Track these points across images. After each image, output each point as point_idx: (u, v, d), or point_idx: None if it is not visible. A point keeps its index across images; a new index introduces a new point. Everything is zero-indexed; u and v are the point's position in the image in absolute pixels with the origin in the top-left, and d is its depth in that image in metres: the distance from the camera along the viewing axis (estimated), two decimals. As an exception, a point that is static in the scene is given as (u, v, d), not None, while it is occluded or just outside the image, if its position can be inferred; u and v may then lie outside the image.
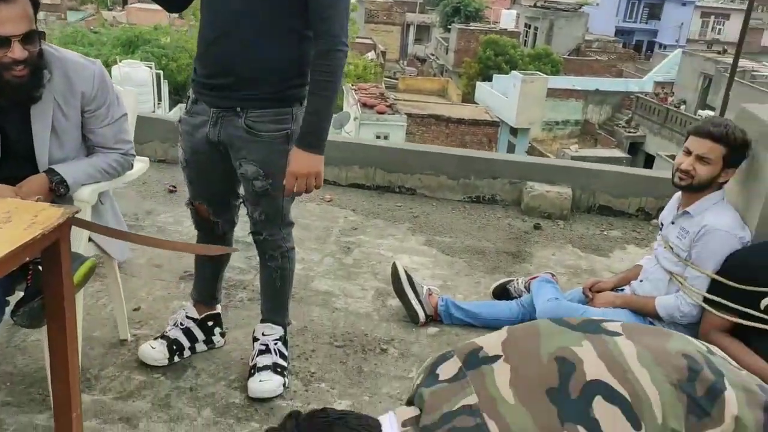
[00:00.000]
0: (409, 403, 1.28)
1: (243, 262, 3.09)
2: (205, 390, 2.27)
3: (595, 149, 24.71)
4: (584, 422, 1.07)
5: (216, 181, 2.19)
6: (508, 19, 38.01)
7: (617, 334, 1.20)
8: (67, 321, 1.71)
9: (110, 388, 2.23)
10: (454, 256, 3.44)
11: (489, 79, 28.99)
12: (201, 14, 2.04)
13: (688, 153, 2.39)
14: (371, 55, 31.40)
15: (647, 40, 43.56)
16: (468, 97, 29.76)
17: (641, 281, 2.63)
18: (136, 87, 10.06)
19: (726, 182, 2.42)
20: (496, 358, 1.19)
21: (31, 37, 1.83)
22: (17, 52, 1.79)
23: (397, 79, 30.23)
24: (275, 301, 2.32)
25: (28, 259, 1.64)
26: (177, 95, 19.64)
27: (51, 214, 1.61)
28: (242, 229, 2.45)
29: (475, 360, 1.20)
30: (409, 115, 21.15)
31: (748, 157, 2.39)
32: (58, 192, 1.96)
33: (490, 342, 1.24)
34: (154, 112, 13.78)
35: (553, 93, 26.42)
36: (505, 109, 25.41)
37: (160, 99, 15.24)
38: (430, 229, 3.73)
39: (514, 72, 26.53)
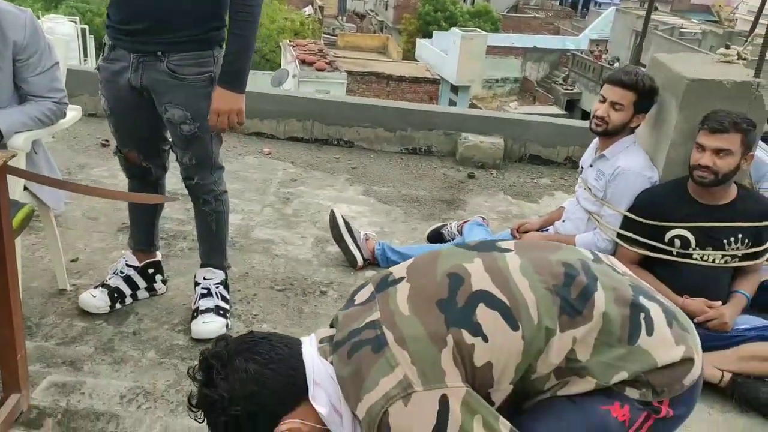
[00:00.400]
0: (331, 326, 1.40)
1: (182, 213, 3.12)
2: (149, 333, 2.34)
3: (533, 106, 25.16)
4: (468, 326, 1.21)
5: (142, 127, 2.21)
6: (447, -25, 37.77)
7: (508, 250, 1.34)
8: (8, 263, 1.75)
9: (52, 334, 2.27)
10: (392, 204, 3.56)
11: (429, 36, 28.96)
12: None
13: (603, 100, 2.55)
14: (308, 10, 30.84)
15: (583, -2, 44.12)
16: (408, 55, 29.70)
17: (564, 221, 2.81)
18: (63, 42, 9.64)
19: (637, 127, 2.59)
20: (401, 279, 1.31)
21: None
22: None
23: (336, 35, 29.83)
24: (213, 244, 2.39)
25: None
26: (103, 51, 18.95)
27: (-14, 158, 1.63)
28: (181, 181, 2.49)
29: (384, 284, 1.33)
30: (350, 73, 21.00)
31: (656, 103, 2.57)
32: None
33: (399, 268, 1.37)
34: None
35: (492, 50, 26.64)
36: (446, 66, 25.52)
37: (86, 55, 14.68)
38: (368, 180, 3.83)
39: (453, 29, 26.58)
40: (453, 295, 1.24)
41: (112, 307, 2.40)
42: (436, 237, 3.12)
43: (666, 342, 1.24)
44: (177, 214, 3.11)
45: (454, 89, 25.99)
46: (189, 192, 2.30)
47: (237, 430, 1.21)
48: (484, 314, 1.21)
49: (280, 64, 21.32)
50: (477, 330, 1.20)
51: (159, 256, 2.55)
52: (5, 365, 1.90)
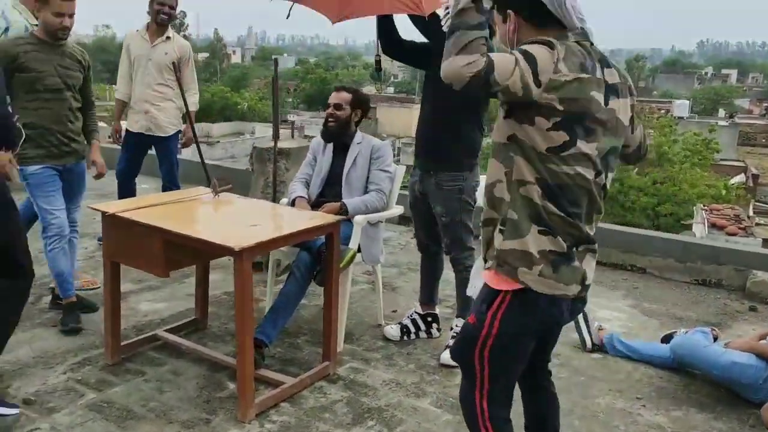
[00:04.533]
0: None
1: (475, 296, 4.25)
2: (415, 356, 3.48)
3: None
4: None
5: (424, 217, 3.49)
6: None
7: None
8: (333, 279, 3.15)
9: (360, 343, 3.61)
10: (653, 317, 4.06)
11: None
12: None
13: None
14: (739, 178, 29.49)
15: None
16: None
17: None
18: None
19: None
20: None
21: (339, 107, 3.58)
22: (329, 110, 3.57)
23: (769, 204, 27.62)
24: (463, 301, 3.45)
25: (317, 237, 3.16)
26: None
27: (331, 218, 3.11)
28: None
29: None
30: (771, 241, 19.37)
31: None
32: (342, 212, 3.46)
33: None
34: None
35: None
36: None
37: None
38: (642, 298, 4.38)
39: None
40: None
41: (401, 338, 3.64)
42: (667, 340, 3.56)
43: None
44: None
45: None
46: (450, 261, 3.46)
47: None
48: None
49: (690, 227, 21.00)
50: None
51: (437, 310, 3.72)
52: (326, 343, 3.27)
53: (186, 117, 4.82)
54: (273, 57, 4.75)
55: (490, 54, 1.75)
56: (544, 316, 1.96)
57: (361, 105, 3.68)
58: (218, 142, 34.38)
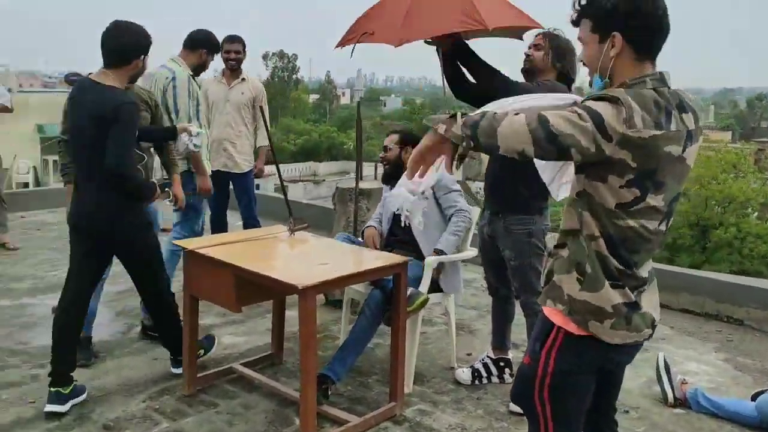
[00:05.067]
0: None
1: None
2: (485, 401, 3.42)
3: None
4: None
5: (493, 260, 3.44)
6: None
7: None
8: (400, 320, 3.17)
9: (431, 385, 3.59)
10: (746, 373, 3.77)
11: None
12: None
13: None
14: None
15: None
16: None
17: None
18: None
19: None
20: None
21: (386, 149, 3.72)
22: (381, 155, 3.71)
23: None
24: (534, 346, 3.37)
25: (387, 277, 3.21)
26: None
27: (398, 259, 3.16)
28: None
29: None
30: None
31: None
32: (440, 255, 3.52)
33: None
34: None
35: None
36: None
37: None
38: (737, 352, 4.08)
39: None
40: None
41: (472, 382, 3.59)
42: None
43: None
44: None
45: None
46: (520, 306, 3.40)
47: None
48: None
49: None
50: None
51: (510, 354, 3.65)
52: (393, 383, 3.28)
53: (257, 153, 5.29)
54: (357, 101, 4.97)
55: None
56: (599, 357, 1.92)
57: (409, 141, 3.76)
58: (324, 180, 35.50)
